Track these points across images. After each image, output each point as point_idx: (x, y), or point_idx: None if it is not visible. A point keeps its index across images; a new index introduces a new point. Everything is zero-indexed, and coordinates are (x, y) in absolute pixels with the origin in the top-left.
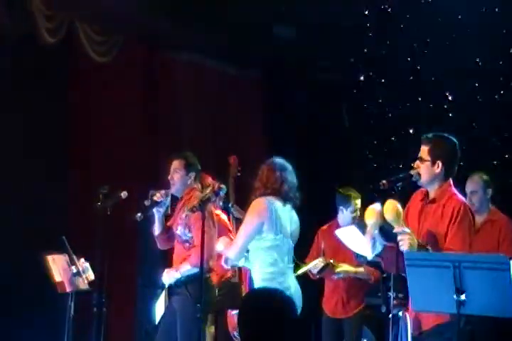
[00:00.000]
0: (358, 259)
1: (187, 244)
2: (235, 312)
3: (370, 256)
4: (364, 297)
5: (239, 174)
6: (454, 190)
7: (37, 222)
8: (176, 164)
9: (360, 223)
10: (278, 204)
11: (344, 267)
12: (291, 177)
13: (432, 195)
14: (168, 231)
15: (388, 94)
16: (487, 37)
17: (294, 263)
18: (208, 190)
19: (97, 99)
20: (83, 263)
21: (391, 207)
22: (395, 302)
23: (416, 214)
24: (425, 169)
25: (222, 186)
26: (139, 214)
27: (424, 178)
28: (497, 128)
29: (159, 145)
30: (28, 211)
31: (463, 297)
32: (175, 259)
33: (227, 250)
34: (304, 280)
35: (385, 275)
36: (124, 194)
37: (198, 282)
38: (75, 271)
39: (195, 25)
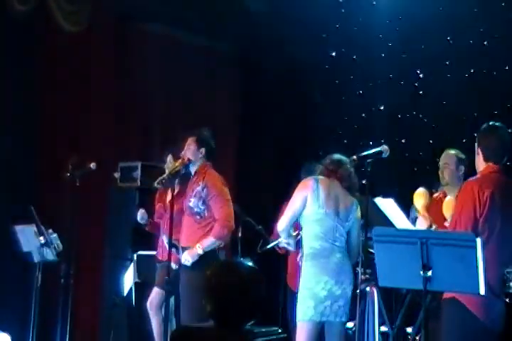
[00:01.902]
0: None
1: (198, 217)
2: None
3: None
4: None
5: None
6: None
7: (5, 192)
8: (189, 141)
9: None
10: (328, 182)
11: None
12: (350, 166)
13: None
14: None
15: (359, 70)
16: (458, 16)
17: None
18: (178, 163)
19: (67, 69)
20: (51, 234)
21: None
22: (362, 277)
23: None
24: None
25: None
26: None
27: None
28: (467, 106)
29: (128, 117)
30: None
31: (429, 273)
32: (184, 231)
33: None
34: (268, 255)
35: None
36: (93, 165)
37: (209, 255)
38: (42, 241)
39: None
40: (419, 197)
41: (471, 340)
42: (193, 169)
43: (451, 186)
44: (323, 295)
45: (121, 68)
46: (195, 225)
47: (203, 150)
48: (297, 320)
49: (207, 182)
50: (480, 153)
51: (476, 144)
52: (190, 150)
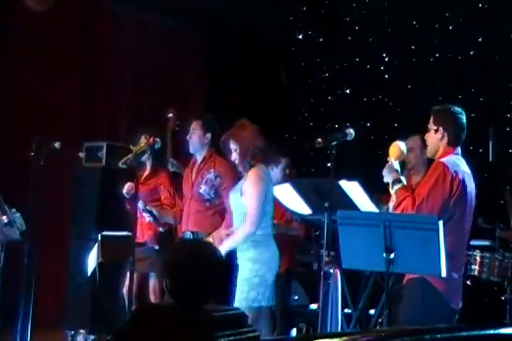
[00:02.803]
0: (293, 216)
1: (207, 203)
2: None
3: (307, 212)
4: (295, 253)
5: (177, 128)
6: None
7: None
8: (194, 125)
9: (293, 181)
10: (269, 172)
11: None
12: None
13: None
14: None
15: (326, 53)
16: (423, 0)
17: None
18: (143, 144)
19: (33, 49)
20: (14, 213)
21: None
22: (326, 259)
23: None
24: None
25: (157, 140)
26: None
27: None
28: (431, 90)
29: (94, 96)
30: None
31: (392, 255)
32: (193, 216)
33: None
34: None
35: (318, 233)
36: (57, 144)
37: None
38: (6, 221)
39: None
40: (394, 148)
41: (435, 317)
42: (199, 155)
43: (416, 169)
44: (271, 281)
45: (88, 47)
46: (205, 211)
47: (208, 135)
48: (245, 306)
49: (220, 171)
50: (445, 136)
51: (439, 128)
52: (195, 134)
